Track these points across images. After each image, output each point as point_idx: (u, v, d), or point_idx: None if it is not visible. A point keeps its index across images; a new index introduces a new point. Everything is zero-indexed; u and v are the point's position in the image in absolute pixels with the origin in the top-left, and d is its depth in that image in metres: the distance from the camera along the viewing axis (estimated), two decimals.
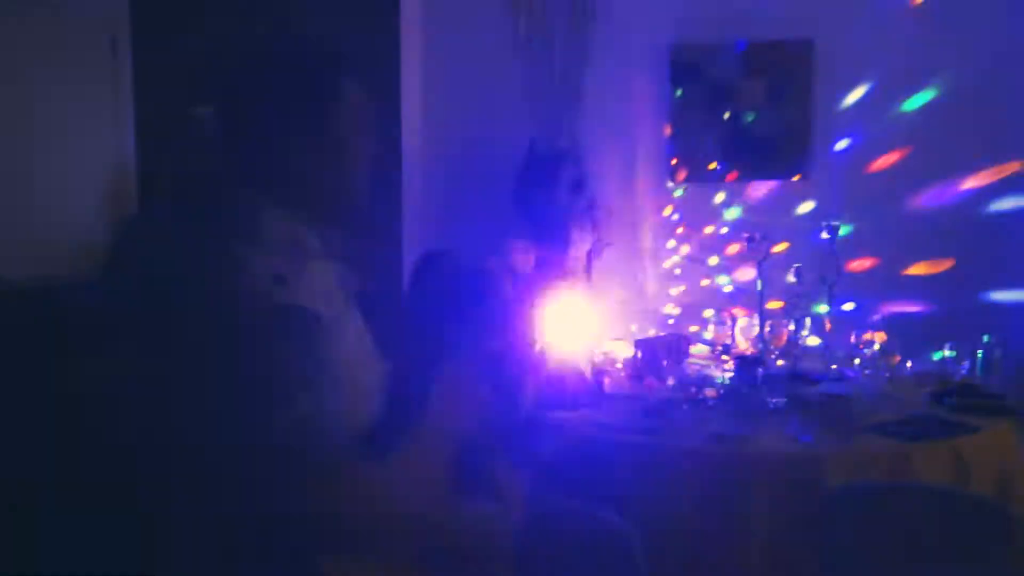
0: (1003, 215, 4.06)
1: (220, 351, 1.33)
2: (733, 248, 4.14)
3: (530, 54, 2.06)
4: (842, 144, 4.13)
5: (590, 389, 3.14)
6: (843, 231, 3.54)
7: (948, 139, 4.03)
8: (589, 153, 3.94)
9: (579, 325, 3.15)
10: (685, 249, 4.29)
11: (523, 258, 3.54)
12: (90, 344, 1.50)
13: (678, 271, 4.30)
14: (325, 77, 1.54)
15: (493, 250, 3.62)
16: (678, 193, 4.27)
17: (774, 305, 3.69)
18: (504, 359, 2.39)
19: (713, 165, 4.22)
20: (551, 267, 3.59)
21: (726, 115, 4.18)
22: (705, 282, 4.28)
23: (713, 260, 4.25)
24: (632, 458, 2.74)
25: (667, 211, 4.30)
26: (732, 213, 4.22)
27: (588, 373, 3.19)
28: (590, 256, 3.99)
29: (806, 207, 4.15)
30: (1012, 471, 2.81)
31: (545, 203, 3.60)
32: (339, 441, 1.38)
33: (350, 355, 1.51)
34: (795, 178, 4.17)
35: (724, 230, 4.21)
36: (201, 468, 1.35)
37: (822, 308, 3.41)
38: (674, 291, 4.29)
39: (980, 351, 3.12)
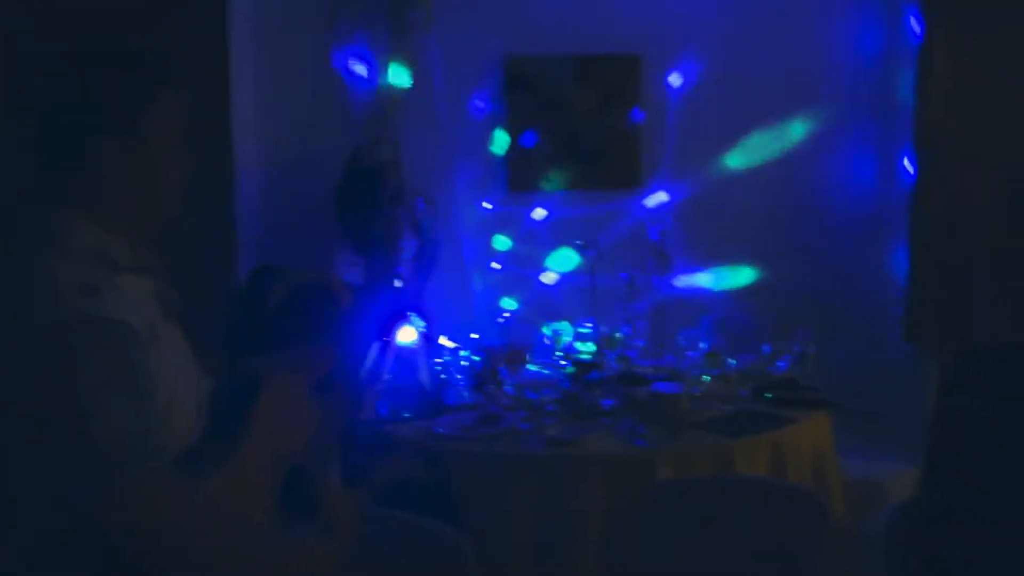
0: (815, 220, 4.36)
1: (20, 362, 1.27)
2: (566, 254, 4.23)
3: (352, 64, 2.03)
4: (670, 153, 4.31)
5: (427, 399, 3.12)
6: (672, 236, 3.67)
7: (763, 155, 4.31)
8: (420, 162, 3.93)
9: (413, 335, 3.14)
10: (520, 256, 4.35)
11: (351, 269, 3.50)
12: None
13: (514, 277, 4.36)
14: (136, 86, 1.48)
15: (325, 262, 3.56)
16: (512, 201, 4.33)
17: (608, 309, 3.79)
18: (336, 373, 2.34)
19: (546, 174, 4.30)
20: (380, 277, 3.57)
21: (560, 125, 4.27)
22: (541, 287, 4.35)
23: (548, 267, 4.32)
24: (469, 467, 2.75)
25: (501, 218, 4.35)
26: (564, 221, 4.31)
27: (426, 383, 3.17)
28: (420, 265, 3.98)
29: (637, 214, 4.29)
30: (826, 460, 2.99)
31: (367, 214, 3.58)
32: (149, 458, 1.32)
33: (167, 369, 1.44)
34: (626, 187, 4.30)
35: (557, 237, 4.28)
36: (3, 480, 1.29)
37: (653, 310, 3.52)
38: (510, 298, 4.33)
39: (797, 347, 3.30)
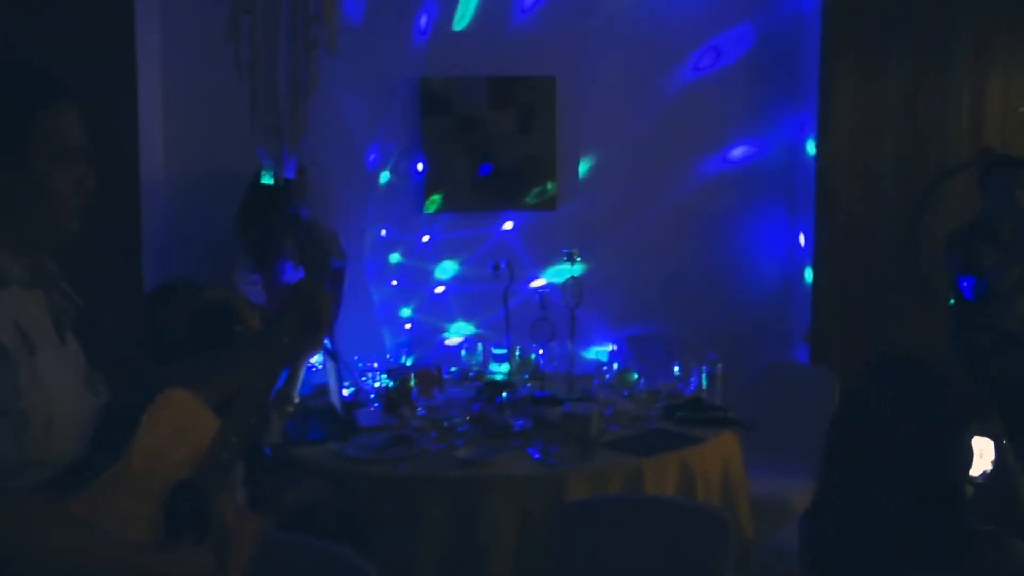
0: (724, 241, 4.48)
1: None
2: (483, 276, 4.24)
3: (254, 82, 2.01)
4: (585, 173, 4.37)
5: (339, 421, 3.08)
6: (582, 257, 3.70)
7: (673, 173, 4.41)
8: (332, 181, 3.90)
9: (321, 354, 3.10)
10: (437, 276, 4.34)
11: (253, 286, 3.45)
12: None
13: (436, 294, 4.35)
14: (14, 103, 1.43)
15: (227, 279, 3.49)
16: (428, 222, 4.32)
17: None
18: (239, 391, 2.29)
19: (463, 194, 4.31)
20: (282, 294, 3.52)
21: (476, 146, 4.29)
22: (457, 308, 4.35)
23: (463, 287, 4.33)
24: (379, 490, 2.72)
25: (423, 238, 4.34)
26: (481, 241, 4.32)
27: (336, 405, 3.13)
28: (328, 284, 3.93)
29: (552, 235, 4.34)
30: (735, 477, 3.04)
31: (269, 231, 3.54)
32: (24, 476, 1.27)
33: (45, 385, 1.40)
34: (541, 207, 4.34)
35: (475, 258, 4.29)
36: None
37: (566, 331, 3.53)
38: (426, 318, 4.31)
39: (706, 368, 3.37)
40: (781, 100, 4.51)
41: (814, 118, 4.35)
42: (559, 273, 3.68)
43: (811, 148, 4.40)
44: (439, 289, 4.34)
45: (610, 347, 3.75)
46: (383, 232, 4.29)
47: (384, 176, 4.30)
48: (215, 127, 3.86)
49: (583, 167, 4.39)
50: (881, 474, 1.41)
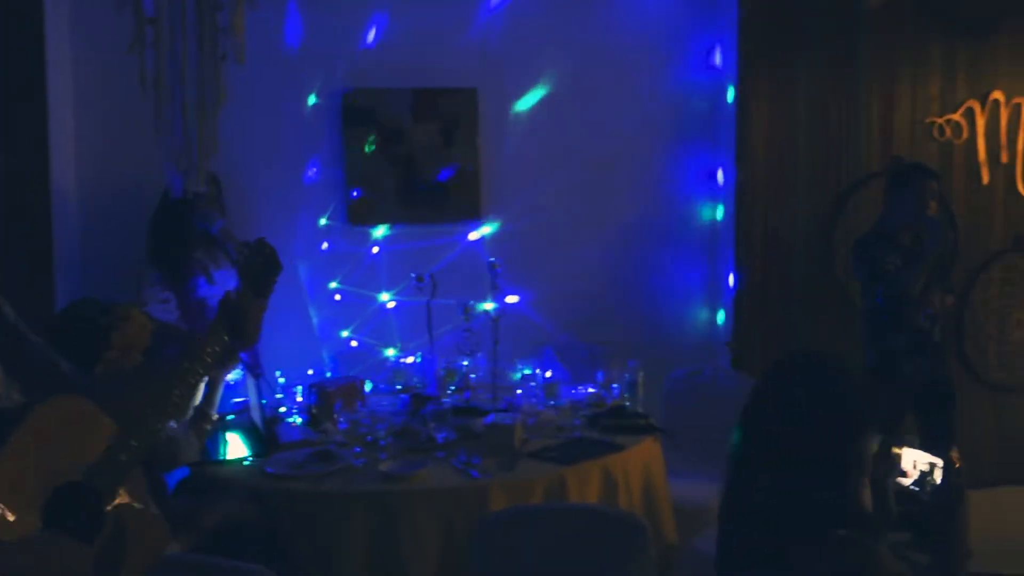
0: (647, 250, 4.56)
1: None
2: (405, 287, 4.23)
3: (159, 96, 1.97)
4: (509, 184, 4.40)
5: (258, 438, 3.03)
6: (507, 267, 3.72)
7: (598, 184, 4.47)
8: (254, 195, 3.86)
9: (237, 370, 3.05)
10: (361, 289, 4.31)
11: (164, 304, 3.38)
12: None
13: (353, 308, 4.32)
14: None
15: (137, 296, 3.42)
16: (353, 235, 4.29)
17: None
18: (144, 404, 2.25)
19: (388, 207, 4.28)
20: (195, 310, 3.46)
21: (399, 157, 4.27)
22: (380, 318, 4.33)
23: (385, 299, 4.31)
24: (300, 506, 2.68)
25: (341, 251, 4.31)
26: (405, 253, 4.31)
27: (257, 421, 3.08)
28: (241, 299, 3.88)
29: (475, 246, 4.35)
30: (656, 483, 3.09)
31: (179, 248, 3.48)
32: None
33: None
34: (466, 218, 4.35)
35: (401, 270, 4.27)
36: None
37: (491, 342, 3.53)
38: (348, 332, 4.28)
39: (628, 376, 3.41)
40: (701, 126, 4.60)
41: (731, 134, 4.46)
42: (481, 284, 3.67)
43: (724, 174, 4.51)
44: (378, 301, 4.32)
45: (535, 357, 3.77)
46: (305, 245, 4.24)
47: (307, 190, 4.26)
48: (127, 141, 3.78)
49: (508, 178, 4.41)
50: (776, 475, 1.44)
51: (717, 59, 4.58)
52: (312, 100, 4.20)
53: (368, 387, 3.58)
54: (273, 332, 4.00)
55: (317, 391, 3.26)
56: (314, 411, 3.20)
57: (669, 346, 4.53)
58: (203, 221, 3.50)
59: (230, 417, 3.29)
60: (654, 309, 4.61)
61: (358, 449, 2.92)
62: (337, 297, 4.26)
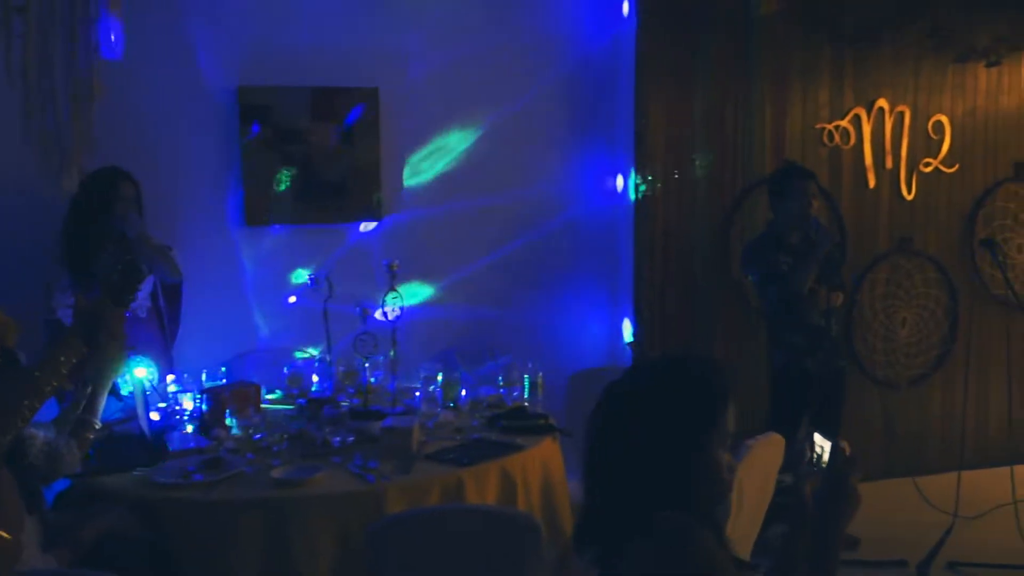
0: (550, 250, 4.59)
1: None
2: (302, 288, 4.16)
3: (28, 88, 1.87)
4: (410, 185, 4.37)
5: (148, 447, 2.92)
6: (408, 268, 3.69)
7: (497, 184, 4.48)
8: (148, 194, 3.72)
9: (137, 374, 2.94)
10: (260, 287, 4.22)
11: (70, 310, 3.23)
12: None
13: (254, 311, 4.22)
14: None
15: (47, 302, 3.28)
16: (249, 236, 4.19)
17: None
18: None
19: (286, 207, 4.20)
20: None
21: (297, 157, 4.19)
22: (281, 324, 4.24)
23: (284, 302, 4.23)
24: (190, 516, 2.59)
25: (241, 251, 4.20)
26: (303, 254, 4.23)
27: (145, 429, 2.97)
28: (156, 300, 3.77)
29: (375, 247, 4.30)
30: (556, 484, 3.10)
31: (86, 251, 3.34)
32: None
33: None
34: (365, 219, 4.29)
35: (301, 270, 4.20)
36: None
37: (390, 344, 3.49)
38: (247, 336, 4.18)
39: (527, 376, 3.41)
40: (597, 132, 4.66)
41: (630, 138, 4.52)
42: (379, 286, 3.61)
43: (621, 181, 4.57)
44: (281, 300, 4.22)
45: (436, 360, 3.74)
46: (201, 246, 4.12)
47: (202, 189, 4.14)
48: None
49: (408, 179, 4.37)
50: (622, 473, 1.48)
51: (616, 61, 4.63)
52: (207, 97, 4.09)
53: (264, 392, 3.49)
54: (177, 336, 3.92)
55: (209, 396, 3.16)
56: (206, 417, 3.10)
57: (571, 346, 4.57)
58: (120, 223, 3.39)
59: (116, 425, 3.18)
60: (556, 309, 4.64)
61: (251, 456, 2.84)
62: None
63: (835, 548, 1.51)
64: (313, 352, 3.95)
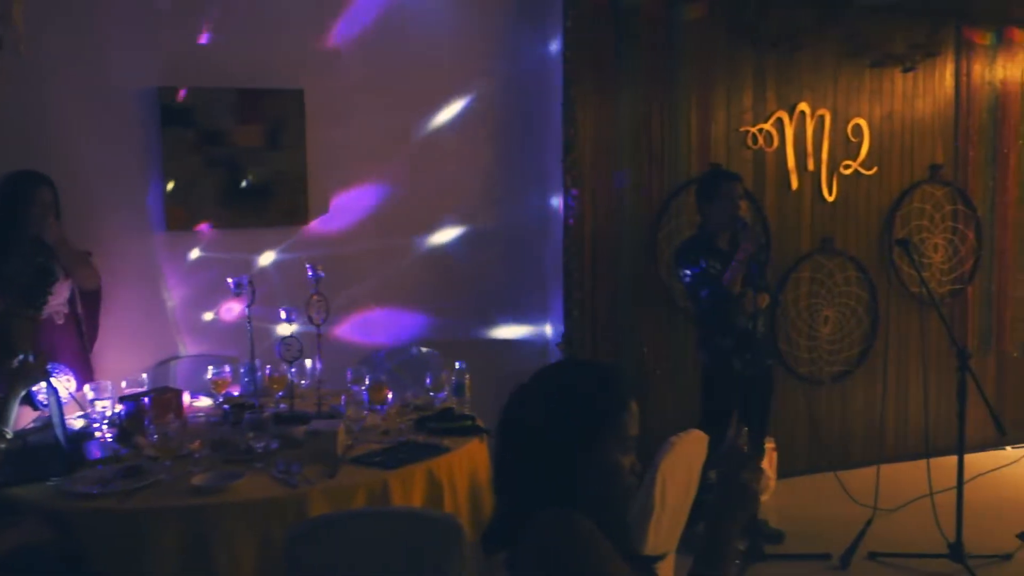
0: (479, 253, 4.59)
1: None
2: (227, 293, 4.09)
3: None
4: (338, 188, 4.33)
5: (64, 456, 2.84)
6: (334, 272, 3.65)
7: (427, 189, 4.47)
8: (67, 197, 3.63)
9: (53, 382, 2.86)
10: (178, 297, 4.14)
11: None
12: None
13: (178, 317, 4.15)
14: None
15: None
16: (171, 238, 4.11)
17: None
18: None
19: (209, 211, 4.13)
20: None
21: (221, 159, 4.13)
22: (206, 329, 4.17)
23: (207, 307, 4.16)
24: (107, 526, 2.53)
25: (163, 257, 4.12)
26: (228, 258, 4.17)
27: (61, 438, 2.89)
28: (74, 307, 3.68)
29: (300, 249, 4.26)
30: (482, 485, 3.10)
31: (6, 256, 3.24)
32: None
33: None
34: (292, 223, 4.24)
35: (222, 276, 4.13)
36: None
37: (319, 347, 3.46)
38: (171, 341, 4.10)
39: (455, 378, 3.41)
40: (527, 137, 4.70)
41: (559, 144, 4.56)
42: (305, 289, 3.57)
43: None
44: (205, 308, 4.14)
45: (363, 363, 3.72)
46: (123, 251, 4.03)
47: (124, 193, 4.05)
48: None
49: (336, 181, 4.34)
50: (518, 475, 1.51)
51: (545, 70, 4.66)
52: (126, 99, 4.00)
53: (187, 398, 3.42)
54: (99, 344, 3.83)
55: (129, 404, 3.09)
56: (125, 425, 3.03)
57: (501, 348, 4.58)
58: (38, 228, 3.30)
59: (30, 435, 3.09)
60: (487, 311, 4.66)
61: (170, 463, 2.78)
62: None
63: (725, 544, 1.53)
64: (237, 358, 3.89)
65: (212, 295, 4.15)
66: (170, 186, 4.06)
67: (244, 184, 4.16)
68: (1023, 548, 3.83)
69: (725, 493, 1.56)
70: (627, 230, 4.70)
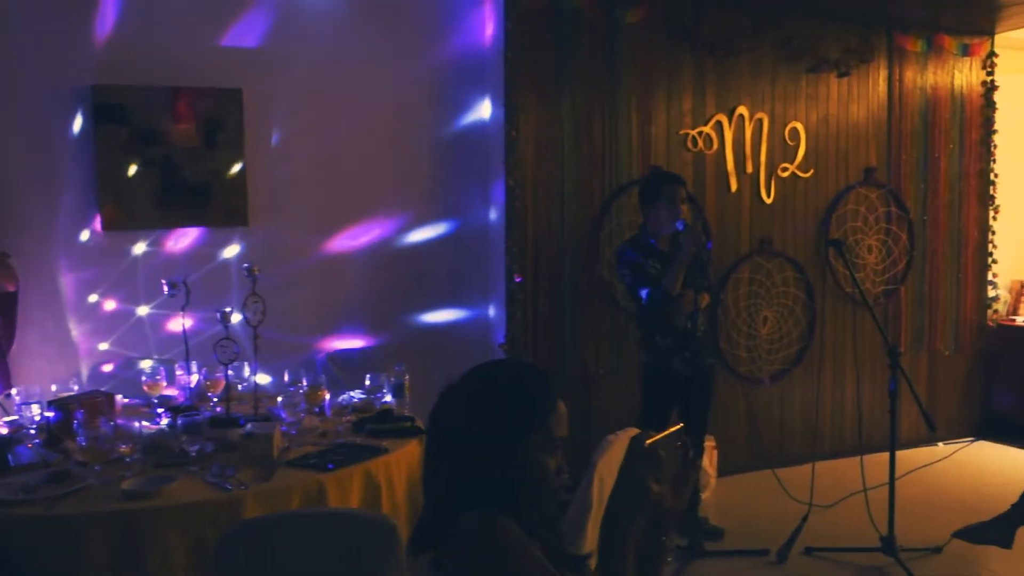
0: (421, 253, 4.58)
1: None
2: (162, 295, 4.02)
3: None
4: (276, 187, 4.28)
5: None
6: (272, 273, 3.61)
7: (366, 190, 4.44)
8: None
9: None
10: (119, 296, 4.06)
11: None
12: None
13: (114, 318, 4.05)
14: None
15: None
16: (107, 240, 4.03)
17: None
18: None
19: (144, 211, 4.05)
20: None
21: (157, 159, 4.05)
22: (141, 332, 4.08)
23: (142, 309, 4.08)
24: (33, 534, 2.46)
25: (97, 259, 4.02)
26: (164, 260, 4.10)
27: None
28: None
29: (236, 251, 4.20)
30: (420, 486, 3.08)
31: None
32: None
33: None
34: (230, 223, 4.18)
35: (158, 278, 4.05)
36: None
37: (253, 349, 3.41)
38: (104, 344, 4.01)
39: (394, 379, 3.39)
40: (469, 139, 4.69)
41: (500, 145, 4.56)
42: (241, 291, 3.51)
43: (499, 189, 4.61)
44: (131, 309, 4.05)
45: (300, 365, 3.68)
46: (57, 253, 3.93)
47: (57, 195, 3.94)
48: None
49: (275, 180, 4.29)
50: (443, 476, 1.51)
51: (487, 71, 4.67)
52: (56, 96, 3.91)
53: (120, 401, 3.35)
54: (26, 347, 3.73)
55: (57, 408, 3.01)
56: (53, 429, 2.95)
57: (443, 348, 4.57)
58: None
59: None
60: (429, 312, 4.64)
61: (99, 468, 2.72)
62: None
63: (623, 542, 1.53)
64: (173, 360, 3.82)
65: (146, 296, 4.07)
66: (102, 185, 3.96)
67: (180, 184, 4.08)
68: (952, 542, 3.93)
69: (623, 491, 1.55)
70: (569, 231, 4.72)
